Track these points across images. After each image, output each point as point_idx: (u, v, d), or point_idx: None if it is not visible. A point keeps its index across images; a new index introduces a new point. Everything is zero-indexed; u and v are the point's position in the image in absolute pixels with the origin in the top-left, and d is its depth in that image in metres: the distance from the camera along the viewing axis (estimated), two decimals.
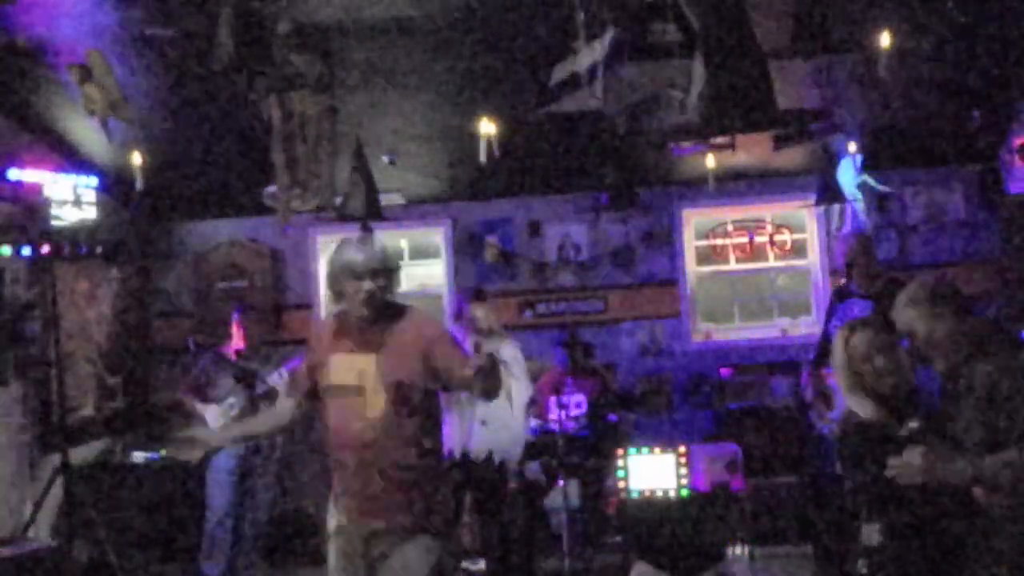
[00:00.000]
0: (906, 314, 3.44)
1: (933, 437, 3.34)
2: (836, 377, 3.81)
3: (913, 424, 3.44)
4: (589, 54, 4.32)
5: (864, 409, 3.61)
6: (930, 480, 3.22)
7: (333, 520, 4.05)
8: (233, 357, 6.77)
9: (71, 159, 7.26)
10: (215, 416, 6.74)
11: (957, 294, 3.42)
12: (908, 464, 3.18)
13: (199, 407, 6.79)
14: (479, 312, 6.18)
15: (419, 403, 3.95)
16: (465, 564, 6.76)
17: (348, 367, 3.99)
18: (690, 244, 8.54)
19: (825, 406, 5.74)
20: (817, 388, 5.83)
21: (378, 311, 3.98)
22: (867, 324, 3.78)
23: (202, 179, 7.93)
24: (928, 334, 3.39)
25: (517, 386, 6.17)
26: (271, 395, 6.79)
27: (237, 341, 6.93)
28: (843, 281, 6.15)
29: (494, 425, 6.10)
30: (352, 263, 3.94)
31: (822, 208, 7.76)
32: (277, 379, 6.84)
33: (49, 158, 7.06)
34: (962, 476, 3.19)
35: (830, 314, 6.04)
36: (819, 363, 5.96)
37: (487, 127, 5.87)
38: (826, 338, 5.97)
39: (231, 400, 6.71)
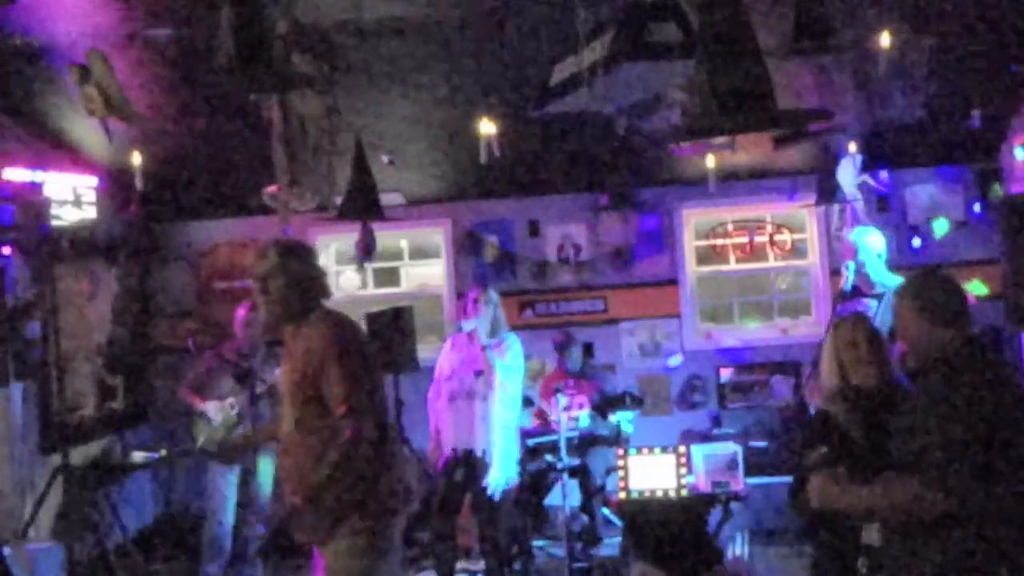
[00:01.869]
0: (897, 304, 3.38)
1: (836, 466, 3.38)
2: (821, 368, 3.87)
3: (822, 449, 3.47)
4: (589, 54, 4.32)
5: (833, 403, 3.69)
6: (826, 510, 3.37)
7: None
8: (234, 356, 6.77)
9: (71, 159, 7.26)
10: (215, 411, 6.74)
11: (948, 294, 3.28)
12: (810, 494, 3.36)
13: (199, 404, 6.79)
14: (482, 308, 6.20)
15: (318, 418, 3.76)
16: (465, 564, 6.76)
17: (281, 378, 4.03)
18: (690, 244, 8.54)
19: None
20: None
21: (283, 319, 3.94)
22: (857, 316, 3.89)
23: (202, 179, 7.93)
24: (904, 328, 3.33)
25: (508, 385, 6.17)
26: (272, 393, 6.79)
27: (240, 340, 6.92)
28: (843, 281, 6.10)
29: (486, 424, 6.11)
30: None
31: (822, 208, 7.76)
32: (279, 376, 6.84)
33: (49, 158, 7.06)
34: (856, 508, 3.30)
35: (832, 315, 6.01)
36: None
37: (487, 127, 5.87)
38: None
39: (231, 399, 6.72)
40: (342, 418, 3.71)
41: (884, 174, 7.82)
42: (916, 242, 8.09)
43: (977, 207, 8.08)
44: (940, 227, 7.88)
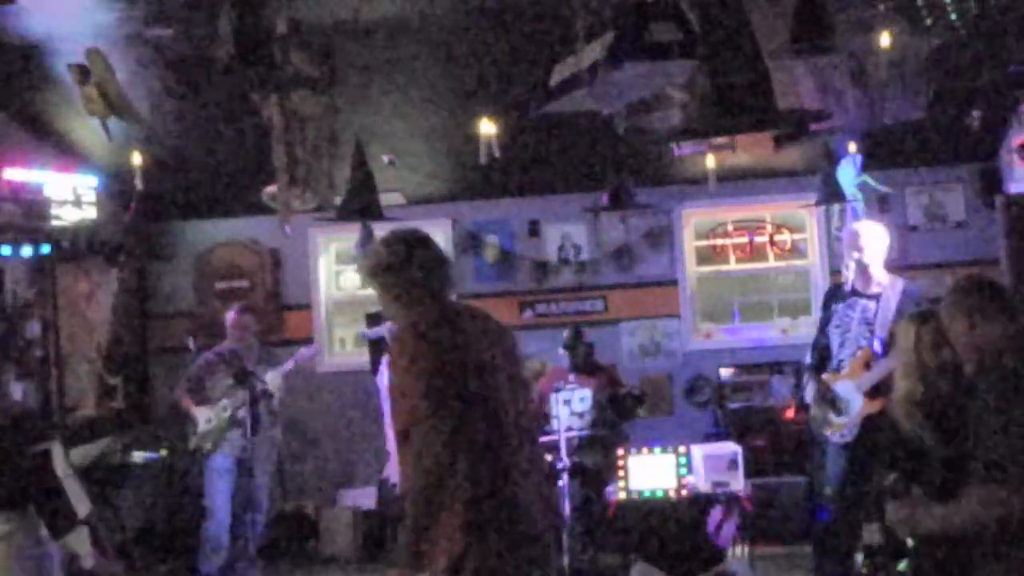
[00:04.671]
0: (946, 308, 3.27)
1: (913, 488, 3.26)
2: (897, 365, 3.69)
3: (892, 476, 3.36)
4: (589, 54, 4.32)
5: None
6: (912, 534, 3.21)
7: None
8: (227, 357, 6.76)
9: (71, 159, 7.26)
10: (207, 417, 6.72)
11: (999, 293, 3.19)
12: (891, 521, 3.20)
13: (193, 410, 6.76)
14: None
15: (405, 431, 3.32)
16: None
17: None
18: (690, 244, 8.54)
19: (832, 412, 5.66)
20: (823, 394, 5.73)
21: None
22: (935, 315, 3.67)
23: (202, 179, 7.93)
24: (960, 332, 3.20)
25: None
26: (267, 395, 6.78)
27: (233, 340, 6.90)
28: (843, 279, 6.02)
29: None
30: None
31: (822, 208, 7.76)
32: (275, 378, 6.83)
33: (49, 158, 7.06)
34: (941, 527, 3.12)
35: (828, 316, 5.90)
36: (820, 368, 5.84)
37: (487, 127, 5.87)
38: (824, 340, 5.87)
39: (224, 402, 6.69)
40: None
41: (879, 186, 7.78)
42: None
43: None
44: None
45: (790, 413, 7.69)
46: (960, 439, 3.27)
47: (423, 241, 3.64)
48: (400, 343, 3.41)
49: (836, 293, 5.93)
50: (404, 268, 3.50)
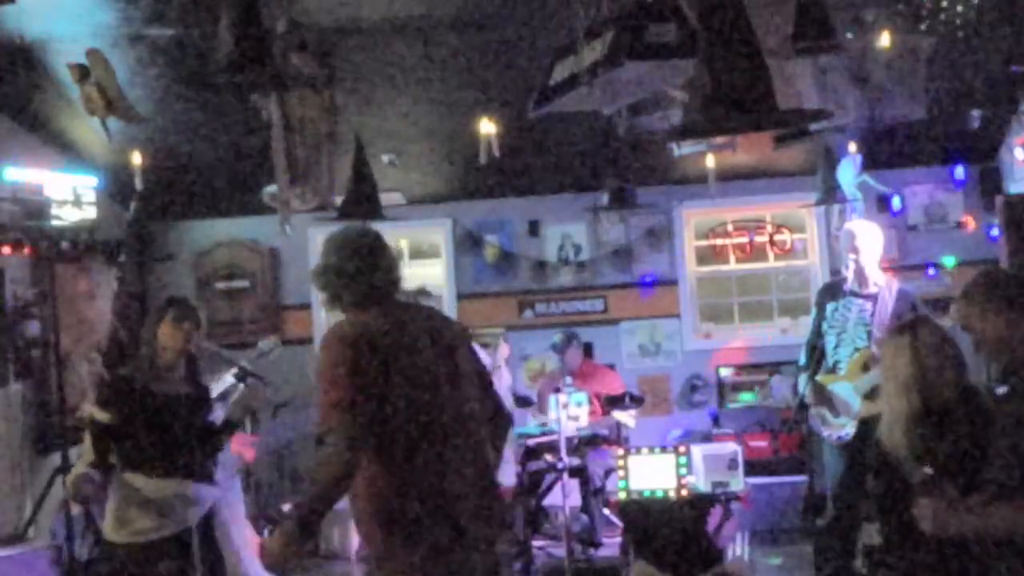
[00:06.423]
0: (962, 308, 3.11)
1: (945, 485, 3.06)
2: (883, 379, 3.60)
3: (927, 470, 3.17)
4: (589, 54, 4.31)
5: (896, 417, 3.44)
6: (942, 534, 3.02)
7: None
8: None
9: (71, 159, 7.26)
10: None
11: (1018, 290, 3.01)
12: (919, 517, 3.00)
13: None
14: None
15: (319, 436, 3.23)
16: None
17: None
18: (690, 244, 8.54)
19: (830, 413, 5.65)
20: (820, 396, 5.71)
21: None
22: (916, 324, 3.60)
23: (202, 179, 7.93)
24: (982, 331, 3.04)
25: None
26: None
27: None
28: (841, 277, 6.00)
29: None
30: None
31: (822, 208, 7.76)
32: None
33: (49, 158, 7.06)
34: (975, 531, 2.97)
35: (820, 314, 5.88)
36: (816, 368, 5.82)
37: (487, 127, 5.87)
38: (819, 340, 5.84)
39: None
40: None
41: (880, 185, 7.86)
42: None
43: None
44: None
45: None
46: (972, 450, 3.19)
47: (359, 244, 3.56)
48: (322, 346, 3.28)
49: (830, 291, 5.90)
50: (339, 272, 3.43)
